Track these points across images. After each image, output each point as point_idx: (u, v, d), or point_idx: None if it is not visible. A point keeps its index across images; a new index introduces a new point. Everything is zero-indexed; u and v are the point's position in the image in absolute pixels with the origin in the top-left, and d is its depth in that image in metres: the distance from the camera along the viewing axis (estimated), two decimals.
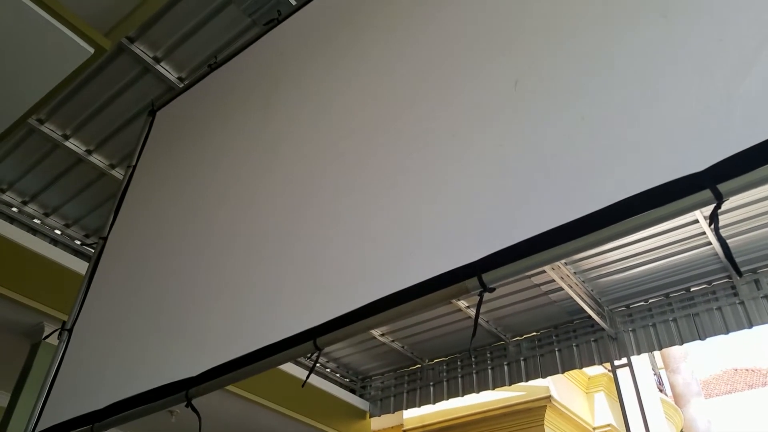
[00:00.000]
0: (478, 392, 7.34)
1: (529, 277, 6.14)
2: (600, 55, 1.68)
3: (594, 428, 9.30)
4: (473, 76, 1.99)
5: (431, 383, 7.65)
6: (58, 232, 6.02)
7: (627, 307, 6.56)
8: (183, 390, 2.13)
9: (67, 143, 5.13)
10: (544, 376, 7.01)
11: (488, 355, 7.34)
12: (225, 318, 2.26)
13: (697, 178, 1.30)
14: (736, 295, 5.92)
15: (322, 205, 2.21)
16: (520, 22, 1.98)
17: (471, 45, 2.09)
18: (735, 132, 1.30)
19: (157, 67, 4.50)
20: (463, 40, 2.13)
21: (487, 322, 6.95)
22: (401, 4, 2.55)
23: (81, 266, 5.25)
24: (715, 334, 5.95)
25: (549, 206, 1.54)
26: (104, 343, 2.73)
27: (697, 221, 5.36)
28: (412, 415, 8.88)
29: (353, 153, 2.24)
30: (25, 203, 5.76)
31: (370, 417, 7.99)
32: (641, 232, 5.41)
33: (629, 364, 6.36)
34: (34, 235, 5.57)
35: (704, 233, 5.50)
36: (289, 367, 6.78)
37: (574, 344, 6.77)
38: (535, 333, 7.11)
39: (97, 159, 5.32)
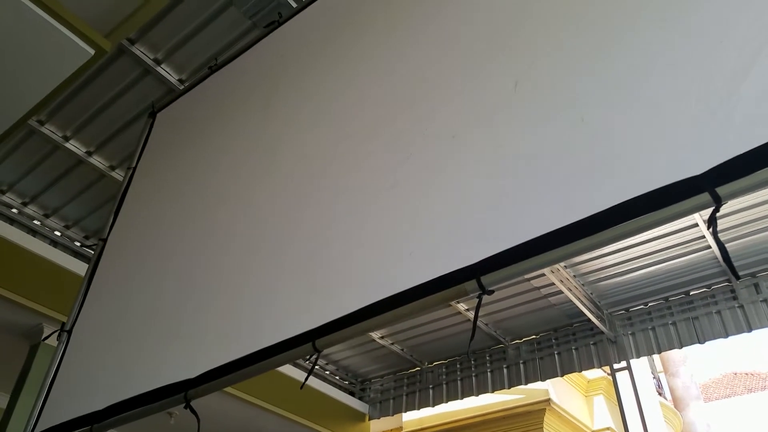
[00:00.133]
0: (477, 395, 7.33)
1: (529, 280, 6.14)
2: (600, 56, 1.68)
3: (593, 431, 9.28)
4: (473, 77, 2.00)
5: (430, 386, 7.64)
6: (57, 233, 6.03)
7: (626, 310, 6.56)
8: (182, 391, 2.13)
9: (67, 144, 5.14)
10: (543, 379, 7.00)
11: (487, 358, 7.34)
12: (224, 319, 2.26)
13: (695, 181, 1.30)
14: (735, 299, 5.92)
15: (321, 206, 2.21)
16: (520, 22, 1.99)
17: (471, 45, 2.09)
18: (734, 135, 1.30)
19: (158, 68, 4.51)
20: (462, 41, 2.14)
21: (486, 325, 6.94)
22: (401, 5, 2.55)
23: (80, 267, 5.26)
24: (715, 338, 5.95)
25: (548, 208, 1.54)
26: (103, 344, 2.73)
27: (696, 225, 5.36)
28: (411, 417, 8.87)
29: (352, 154, 2.24)
30: (25, 204, 5.76)
31: (370, 419, 7.98)
32: (641, 235, 5.42)
33: (628, 368, 6.35)
34: (34, 236, 5.58)
35: (704, 237, 5.51)
36: (288, 369, 6.77)
37: (573, 347, 6.77)
38: (534, 336, 7.10)
39: (97, 160, 5.32)
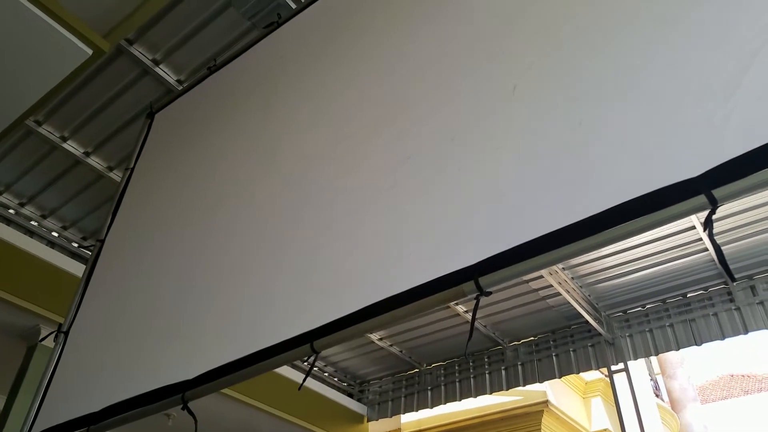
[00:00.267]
0: (475, 397, 7.34)
1: (527, 282, 6.15)
2: (598, 59, 1.69)
3: None
4: (472, 79, 2.00)
5: (429, 387, 7.64)
6: (55, 234, 6.02)
7: (624, 312, 6.57)
8: (179, 392, 2.13)
9: (65, 145, 5.13)
10: (541, 381, 7.01)
11: (486, 359, 7.34)
12: (222, 320, 2.26)
13: (692, 183, 1.31)
14: (732, 301, 5.94)
15: (320, 207, 2.22)
16: (520, 23, 1.99)
17: (470, 45, 2.10)
18: (731, 137, 1.30)
19: (156, 69, 4.50)
20: (462, 41, 2.14)
21: (484, 326, 6.95)
22: (401, 5, 2.56)
23: (78, 268, 5.25)
24: (712, 340, 5.96)
25: (546, 210, 1.54)
26: (100, 345, 2.72)
27: (693, 227, 5.37)
28: (409, 419, 8.87)
29: (352, 154, 2.25)
30: (22, 205, 5.75)
31: (368, 421, 7.98)
32: (638, 237, 5.43)
33: (626, 370, 6.35)
34: (31, 237, 5.56)
35: (701, 239, 5.52)
36: (286, 371, 6.77)
37: (571, 349, 6.78)
38: (532, 338, 7.11)
39: (95, 161, 5.32)
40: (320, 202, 2.23)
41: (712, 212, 1.30)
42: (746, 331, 5.77)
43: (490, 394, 7.30)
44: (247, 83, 3.24)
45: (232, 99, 3.25)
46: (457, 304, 6.49)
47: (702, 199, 1.28)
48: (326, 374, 7.91)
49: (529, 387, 7.31)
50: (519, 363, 7.08)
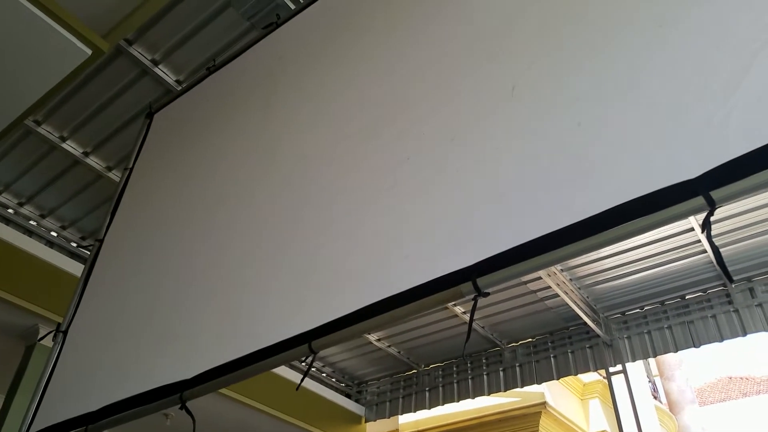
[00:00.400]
0: (473, 398, 7.34)
1: (525, 283, 6.15)
2: (598, 59, 1.69)
3: None
4: (472, 79, 2.00)
5: (427, 388, 7.64)
6: (54, 234, 6.01)
7: (622, 314, 6.57)
8: (177, 392, 2.13)
9: (64, 145, 5.13)
10: (539, 382, 7.02)
11: (484, 360, 7.35)
12: (220, 320, 2.26)
13: (690, 184, 1.31)
14: (730, 303, 5.94)
15: (319, 207, 2.22)
16: (520, 23, 1.99)
17: (470, 45, 2.10)
18: (729, 139, 1.31)
19: (155, 69, 4.50)
20: (462, 41, 2.14)
21: (482, 327, 6.95)
22: (401, 5, 2.56)
23: (77, 268, 5.25)
24: (710, 342, 5.97)
25: (544, 211, 1.55)
26: (99, 345, 2.72)
27: (692, 229, 5.38)
28: (407, 420, 8.87)
29: (352, 154, 2.25)
30: (21, 205, 5.75)
31: (366, 422, 7.98)
32: (637, 239, 5.44)
33: (624, 371, 6.36)
34: (30, 236, 5.56)
35: (699, 241, 5.52)
36: (284, 371, 6.77)
37: (569, 351, 6.78)
38: (530, 339, 7.11)
39: (94, 161, 5.31)
40: (320, 202, 2.23)
41: (711, 213, 1.30)
42: (745, 334, 5.78)
43: (488, 395, 7.30)
44: (246, 83, 3.24)
45: (232, 99, 3.26)
46: (455, 304, 6.50)
47: (700, 200, 1.28)
48: (324, 375, 7.91)
49: (527, 388, 7.32)
50: (517, 364, 7.08)
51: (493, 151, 1.78)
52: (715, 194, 1.27)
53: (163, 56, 4.46)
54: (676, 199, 1.32)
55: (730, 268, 5.81)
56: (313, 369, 7.59)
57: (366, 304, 1.79)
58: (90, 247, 4.93)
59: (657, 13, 1.61)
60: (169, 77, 4.56)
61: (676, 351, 6.18)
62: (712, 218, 1.33)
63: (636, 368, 6.96)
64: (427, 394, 7.61)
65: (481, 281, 1.57)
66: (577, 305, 6.16)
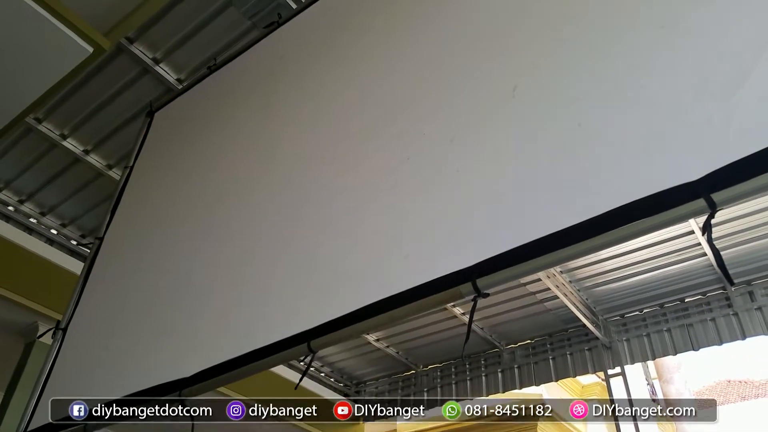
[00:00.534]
0: (471, 399, 7.32)
1: (525, 285, 6.14)
2: (598, 62, 1.69)
3: None
4: (472, 80, 2.00)
5: (425, 389, 7.64)
6: (54, 231, 6.00)
7: (621, 316, 6.56)
8: (176, 390, 2.13)
9: (64, 143, 5.12)
10: (537, 384, 7.00)
11: (482, 362, 7.34)
12: (219, 319, 2.26)
13: (691, 186, 1.31)
14: (730, 306, 5.93)
15: (319, 206, 2.22)
16: (520, 23, 1.99)
17: (471, 46, 2.10)
18: (730, 142, 1.30)
19: (156, 68, 4.50)
20: (462, 41, 2.14)
21: (481, 329, 6.94)
22: (401, 5, 2.56)
23: (76, 266, 5.25)
24: (709, 345, 5.95)
25: (544, 212, 1.54)
26: (98, 342, 2.72)
27: (692, 232, 5.37)
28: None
29: (352, 154, 2.25)
30: (21, 202, 5.74)
31: (364, 422, 7.97)
32: (636, 241, 5.43)
33: (623, 374, 6.35)
34: (30, 234, 5.56)
35: (699, 244, 5.51)
36: (283, 371, 6.76)
37: (568, 352, 6.77)
38: (529, 341, 7.10)
39: (94, 159, 5.31)
40: (319, 201, 2.23)
41: (711, 216, 1.30)
42: (744, 337, 5.77)
43: (487, 396, 7.29)
44: (247, 82, 3.24)
45: (232, 98, 3.25)
46: (454, 305, 6.49)
47: (701, 202, 1.28)
48: (323, 374, 7.90)
49: (525, 390, 7.31)
50: (516, 366, 7.07)
51: (494, 151, 1.78)
52: (716, 197, 1.27)
53: (164, 55, 4.46)
54: (677, 201, 1.32)
55: (729, 272, 5.80)
56: (311, 368, 7.59)
57: (365, 303, 1.78)
58: (90, 245, 4.93)
59: (658, 14, 1.61)
60: (170, 76, 4.56)
61: (675, 354, 6.16)
62: (712, 221, 1.33)
63: (635, 371, 6.97)
64: (425, 394, 7.61)
65: (480, 282, 1.57)
66: (577, 307, 6.15)
